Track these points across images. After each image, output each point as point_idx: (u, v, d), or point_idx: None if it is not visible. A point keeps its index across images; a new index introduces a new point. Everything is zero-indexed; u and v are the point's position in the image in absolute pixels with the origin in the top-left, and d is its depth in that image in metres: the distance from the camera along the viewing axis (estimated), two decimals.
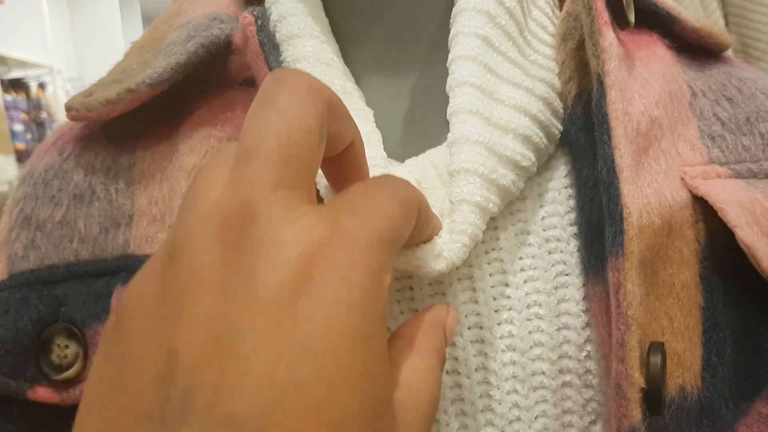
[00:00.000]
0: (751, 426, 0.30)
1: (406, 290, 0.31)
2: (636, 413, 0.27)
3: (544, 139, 0.32)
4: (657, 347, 0.28)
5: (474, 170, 0.29)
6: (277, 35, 0.33)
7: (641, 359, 0.27)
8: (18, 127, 3.49)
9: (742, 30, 0.76)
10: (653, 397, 0.27)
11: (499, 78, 0.31)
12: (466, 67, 0.30)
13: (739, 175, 0.33)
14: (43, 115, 3.72)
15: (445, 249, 0.28)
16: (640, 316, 0.27)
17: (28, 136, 3.60)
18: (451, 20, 0.32)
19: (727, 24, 0.76)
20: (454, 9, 0.32)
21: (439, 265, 0.27)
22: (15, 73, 3.66)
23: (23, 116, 3.58)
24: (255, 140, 0.19)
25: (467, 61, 0.30)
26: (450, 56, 0.31)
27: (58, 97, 3.80)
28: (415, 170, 0.32)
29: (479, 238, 0.29)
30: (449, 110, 0.30)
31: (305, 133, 0.20)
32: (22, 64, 3.68)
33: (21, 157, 3.38)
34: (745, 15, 0.74)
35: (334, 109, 0.22)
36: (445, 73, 0.31)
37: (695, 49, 0.37)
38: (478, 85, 0.30)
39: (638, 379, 0.27)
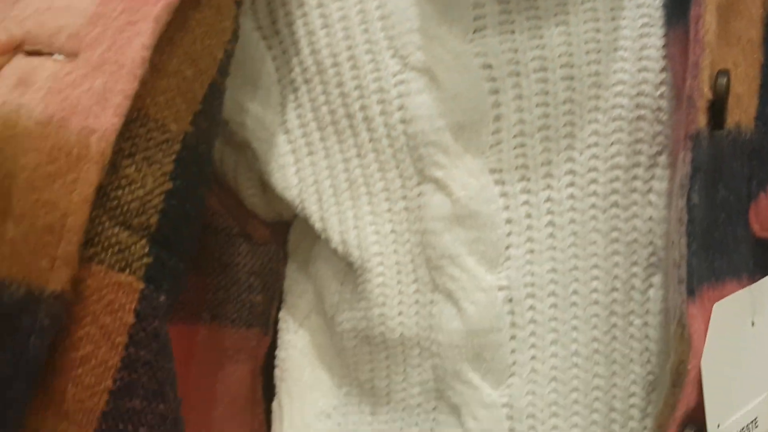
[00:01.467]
0: None
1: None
2: (702, 120, 0.31)
3: None
4: (724, 73, 0.33)
5: None
6: None
7: (710, 79, 0.32)
8: None
9: None
10: (717, 109, 0.32)
11: None
12: None
13: None
14: None
15: None
16: (713, 43, 0.32)
17: None
18: None
19: None
20: None
21: None
22: None
23: None
24: None
25: None
26: None
27: None
28: None
29: None
30: None
31: None
32: None
33: None
34: None
35: None
36: None
37: None
38: None
39: (707, 92, 0.32)
